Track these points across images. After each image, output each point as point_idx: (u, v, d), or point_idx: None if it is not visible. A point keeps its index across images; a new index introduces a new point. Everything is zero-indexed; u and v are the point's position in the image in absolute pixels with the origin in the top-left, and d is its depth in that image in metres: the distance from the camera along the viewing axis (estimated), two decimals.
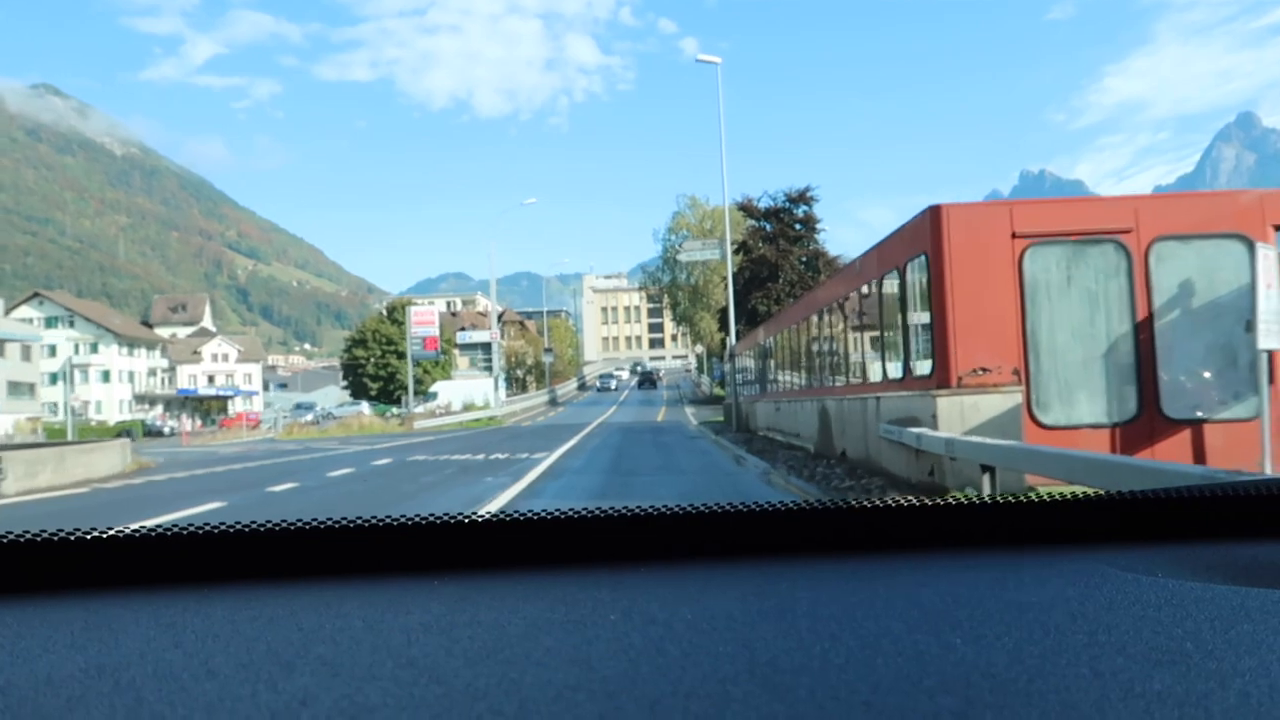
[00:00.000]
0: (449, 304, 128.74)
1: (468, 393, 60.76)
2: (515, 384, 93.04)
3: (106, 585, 1.13)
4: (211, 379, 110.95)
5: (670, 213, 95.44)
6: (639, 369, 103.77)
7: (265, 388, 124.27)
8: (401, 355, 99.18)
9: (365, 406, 75.54)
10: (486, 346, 55.09)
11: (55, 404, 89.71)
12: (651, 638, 0.88)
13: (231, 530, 1.14)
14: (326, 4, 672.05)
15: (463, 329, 74.72)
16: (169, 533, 1.14)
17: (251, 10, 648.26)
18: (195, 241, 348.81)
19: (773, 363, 28.36)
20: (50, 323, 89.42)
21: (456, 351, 70.07)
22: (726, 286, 36.00)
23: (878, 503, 1.24)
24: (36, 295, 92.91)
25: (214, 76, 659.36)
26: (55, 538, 1.11)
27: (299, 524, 1.15)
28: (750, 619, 0.93)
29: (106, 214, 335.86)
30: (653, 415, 56.13)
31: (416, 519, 1.16)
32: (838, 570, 1.13)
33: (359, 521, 1.15)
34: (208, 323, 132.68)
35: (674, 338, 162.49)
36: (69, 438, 70.66)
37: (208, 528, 1.14)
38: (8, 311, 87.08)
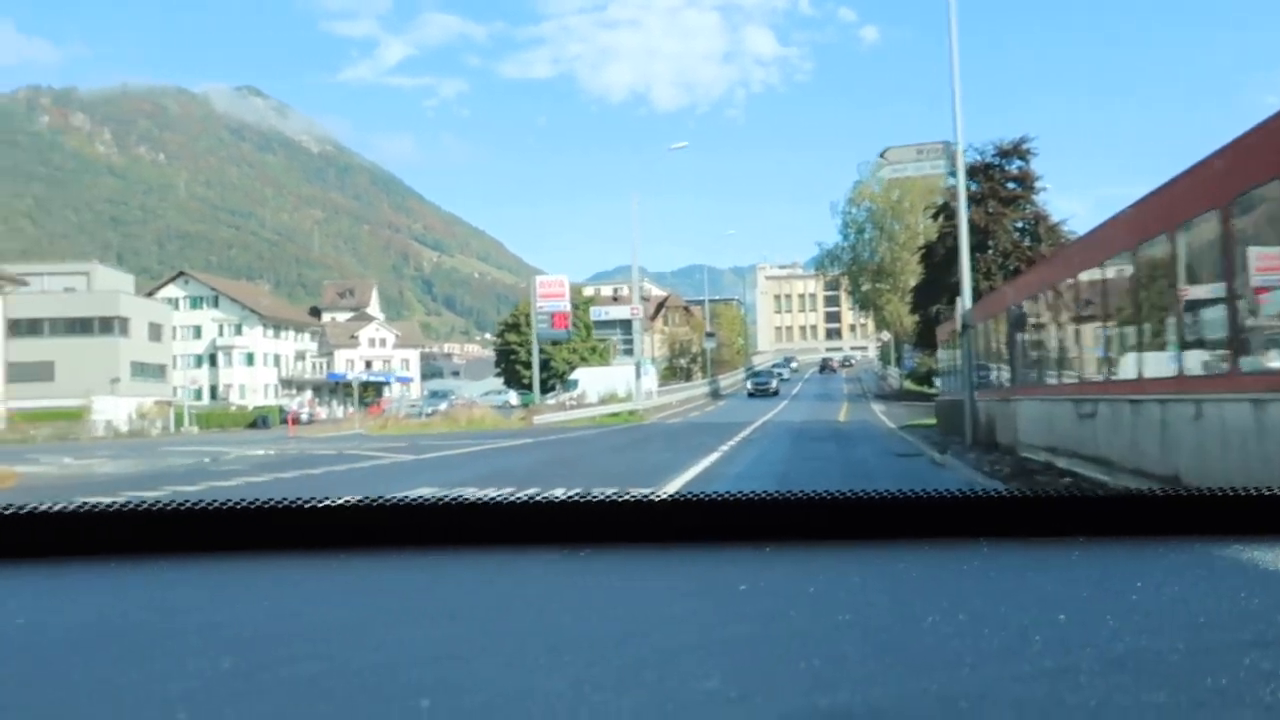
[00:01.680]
0: (615, 290, 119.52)
1: (611, 382, 50.32)
2: (679, 374, 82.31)
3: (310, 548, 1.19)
4: (369, 364, 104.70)
5: (851, 182, 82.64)
6: (791, 364, 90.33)
7: (438, 374, 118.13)
8: (556, 341, 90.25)
9: (514, 396, 66.55)
10: (628, 326, 44.55)
11: (200, 388, 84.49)
12: (776, 606, 0.91)
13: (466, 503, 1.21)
14: (510, 3, 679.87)
15: (599, 305, 64.44)
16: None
17: (440, 12, 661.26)
18: (384, 235, 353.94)
19: (1055, 334, 16.27)
20: (195, 303, 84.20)
21: (616, 340, 59.01)
22: (959, 223, 23.46)
23: (1040, 492, 1.18)
24: (182, 275, 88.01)
25: (404, 77, 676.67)
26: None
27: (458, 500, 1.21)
28: (872, 597, 0.93)
29: (303, 208, 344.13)
30: (832, 413, 44.16)
31: (587, 498, 1.21)
32: (971, 556, 1.10)
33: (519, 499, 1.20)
34: (374, 309, 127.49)
35: (853, 327, 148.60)
36: (184, 423, 64.35)
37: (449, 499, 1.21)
38: (151, 292, 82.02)
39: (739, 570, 1.06)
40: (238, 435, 51.55)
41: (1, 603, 1.00)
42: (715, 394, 63.93)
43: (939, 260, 54.03)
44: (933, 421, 31.13)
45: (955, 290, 52.31)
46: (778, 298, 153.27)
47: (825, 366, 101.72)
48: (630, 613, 0.92)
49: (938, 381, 66.21)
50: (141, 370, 68.17)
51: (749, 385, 63.26)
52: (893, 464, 17.48)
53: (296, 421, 50.65)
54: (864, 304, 78.45)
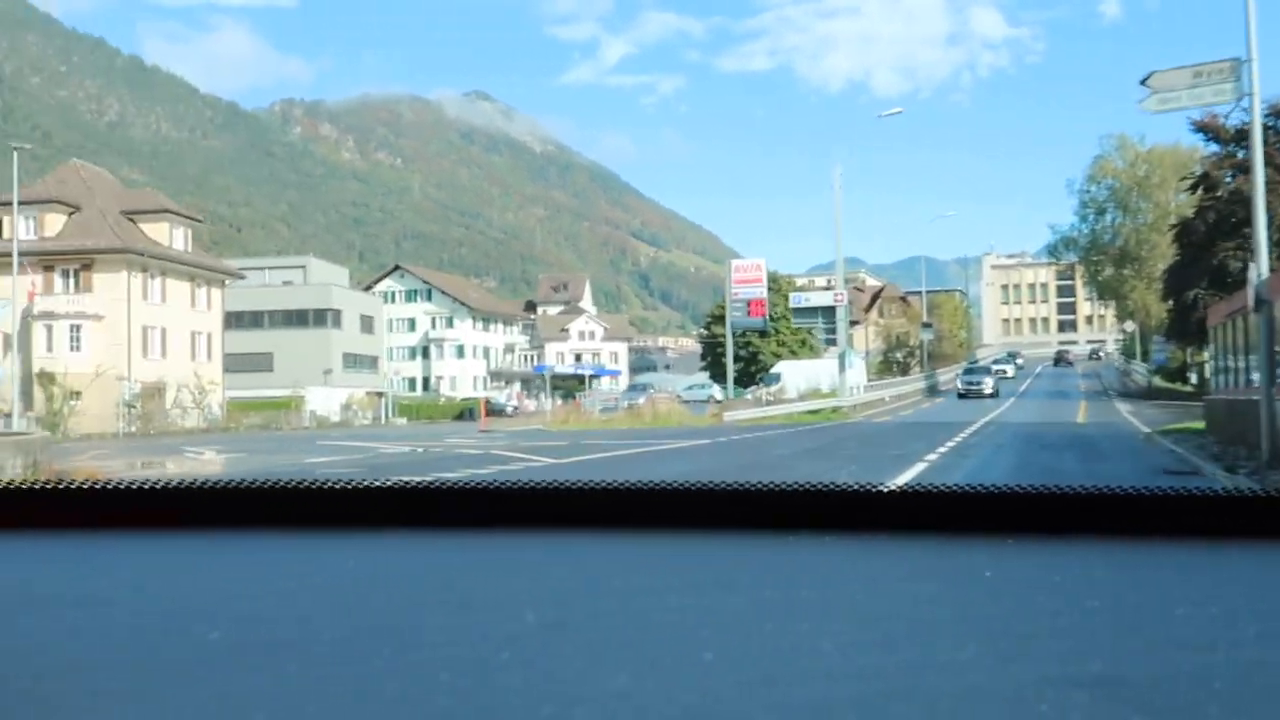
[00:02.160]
0: (829, 281, 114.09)
1: (815, 375, 45.97)
2: (895, 368, 76.53)
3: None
4: (578, 357, 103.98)
5: (1091, 157, 74.02)
6: (1016, 359, 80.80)
7: (650, 368, 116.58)
8: (754, 330, 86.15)
9: (717, 390, 63.18)
10: (831, 313, 40.15)
11: (413, 379, 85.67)
12: (1024, 591, 0.94)
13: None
14: None
15: (799, 292, 59.20)
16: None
17: (659, 10, 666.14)
18: (602, 231, 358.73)
19: None
20: (410, 296, 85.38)
21: (818, 329, 53.71)
22: (1253, 163, 17.76)
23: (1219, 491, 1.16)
24: (398, 268, 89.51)
25: (624, 75, 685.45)
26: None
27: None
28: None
29: (527, 207, 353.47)
30: (1069, 413, 38.26)
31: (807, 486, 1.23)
32: (1224, 555, 1.08)
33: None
34: (587, 302, 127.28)
35: (1089, 319, 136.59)
36: (388, 414, 64.47)
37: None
38: (369, 285, 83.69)
39: (983, 558, 1.08)
40: (441, 427, 50.58)
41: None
42: (932, 390, 58.26)
43: (1198, 238, 46.57)
44: (1200, 425, 25.37)
45: (1217, 272, 44.85)
46: (1005, 288, 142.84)
47: (1060, 359, 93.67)
48: (884, 591, 0.95)
49: (1195, 377, 57.84)
50: (354, 361, 69.10)
51: (959, 384, 51.79)
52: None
53: (489, 414, 49.03)
54: (1104, 292, 70.19)
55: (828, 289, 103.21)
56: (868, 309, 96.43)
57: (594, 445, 23.92)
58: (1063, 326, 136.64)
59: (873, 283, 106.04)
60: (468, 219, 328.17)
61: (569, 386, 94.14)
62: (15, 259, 40.23)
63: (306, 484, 1.29)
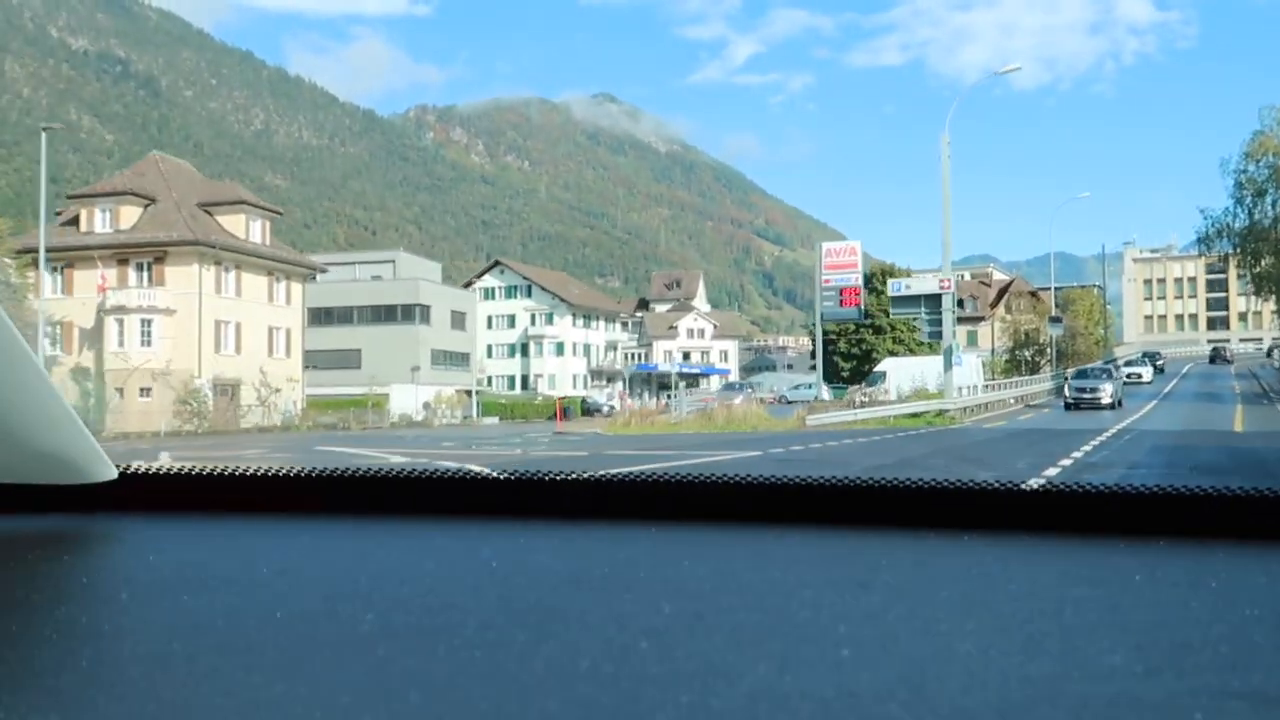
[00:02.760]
0: (960, 277, 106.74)
1: (924, 373, 40.23)
2: (1023, 367, 69.34)
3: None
4: (687, 355, 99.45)
5: (1250, 132, 65.09)
6: (1156, 360, 70.94)
7: (769, 368, 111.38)
8: (879, 330, 79.76)
9: (826, 390, 57.81)
10: (936, 303, 34.27)
11: (512, 376, 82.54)
12: (1177, 596, 0.91)
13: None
14: None
15: (897, 277, 52.29)
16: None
17: (789, 8, 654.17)
18: (726, 230, 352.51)
19: None
20: (509, 292, 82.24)
21: (920, 321, 46.56)
22: None
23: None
24: (498, 264, 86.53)
25: (752, 74, 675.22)
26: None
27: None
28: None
29: (651, 207, 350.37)
30: (1223, 420, 31.72)
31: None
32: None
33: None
34: (701, 300, 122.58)
35: (1243, 316, 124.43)
36: (476, 412, 61.07)
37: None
38: (469, 282, 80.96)
39: (1131, 561, 1.04)
40: (525, 427, 46.86)
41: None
42: (1060, 391, 51.46)
43: None
44: None
45: None
46: (1148, 282, 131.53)
47: (1217, 356, 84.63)
48: (1027, 593, 0.92)
49: None
50: (444, 358, 66.14)
51: (1067, 392, 40.22)
52: None
53: (564, 415, 44.97)
54: (1262, 285, 61.55)
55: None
56: (994, 304, 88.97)
57: (617, 457, 19.32)
58: (1213, 324, 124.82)
59: (1001, 277, 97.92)
60: (593, 219, 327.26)
61: (674, 385, 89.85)
62: (42, 254, 37.95)
63: (449, 474, 1.32)
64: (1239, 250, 61.79)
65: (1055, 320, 59.71)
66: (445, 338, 65.66)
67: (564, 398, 67.38)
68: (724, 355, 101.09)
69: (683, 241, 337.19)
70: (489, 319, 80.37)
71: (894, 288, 37.53)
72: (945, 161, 34.69)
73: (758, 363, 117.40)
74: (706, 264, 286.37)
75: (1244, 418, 32.56)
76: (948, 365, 33.63)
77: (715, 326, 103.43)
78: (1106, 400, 37.16)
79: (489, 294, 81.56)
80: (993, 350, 78.86)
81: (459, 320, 67.61)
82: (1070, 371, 44.42)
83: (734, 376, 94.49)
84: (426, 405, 57.93)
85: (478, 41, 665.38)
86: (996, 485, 1.17)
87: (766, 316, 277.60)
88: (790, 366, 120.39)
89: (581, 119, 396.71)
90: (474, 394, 64.54)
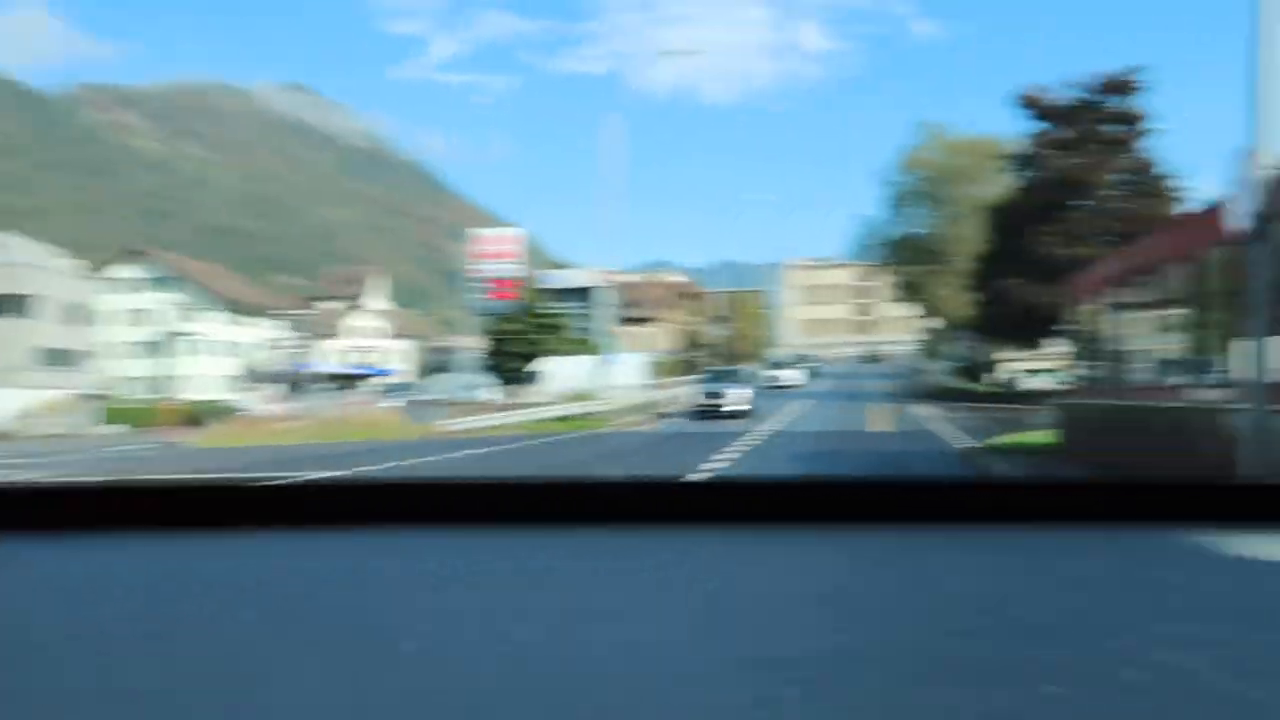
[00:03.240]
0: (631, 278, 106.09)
1: (581, 374, 37.07)
2: (692, 368, 68.74)
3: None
4: (357, 354, 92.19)
5: (905, 145, 68.18)
6: (809, 363, 71.80)
7: (445, 368, 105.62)
8: (552, 327, 77.12)
9: (488, 391, 53.57)
10: (588, 297, 30.75)
11: (153, 378, 72.27)
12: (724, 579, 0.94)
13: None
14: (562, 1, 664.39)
15: (551, 269, 48.84)
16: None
17: (493, 10, 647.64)
18: (418, 229, 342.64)
19: None
20: (155, 285, 72.00)
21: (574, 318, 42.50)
22: None
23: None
24: (138, 253, 75.75)
25: (453, 73, 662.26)
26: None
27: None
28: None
29: (342, 203, 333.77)
30: (860, 418, 30.62)
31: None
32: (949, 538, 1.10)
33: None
34: (380, 298, 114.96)
35: (886, 322, 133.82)
36: (93, 420, 51.82)
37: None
38: (99, 270, 69.91)
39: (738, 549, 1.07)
40: (152, 435, 39.09)
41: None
42: None
43: (1015, 223, 40.18)
44: (1041, 439, 17.80)
45: (1033, 260, 38.12)
46: (807, 289, 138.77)
47: (872, 357, 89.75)
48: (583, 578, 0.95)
49: (1002, 376, 51.98)
50: (56, 357, 55.99)
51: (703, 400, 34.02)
52: None
53: (191, 423, 37.94)
54: (910, 290, 64.38)
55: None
56: (667, 306, 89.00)
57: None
58: (862, 327, 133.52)
59: (674, 279, 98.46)
60: (276, 212, 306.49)
61: (336, 386, 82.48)
62: None
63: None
64: (891, 258, 64.28)
65: (722, 319, 58.98)
66: (58, 334, 55.54)
67: (197, 401, 59.08)
68: (399, 355, 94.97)
69: (371, 238, 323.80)
70: (122, 314, 70.02)
71: (546, 279, 33.94)
72: (605, 146, 31.57)
73: (438, 363, 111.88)
74: (395, 262, 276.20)
75: (883, 417, 31.74)
76: (601, 365, 30.48)
77: (392, 325, 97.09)
78: (729, 409, 31.17)
79: (133, 286, 71.09)
80: (664, 352, 78.54)
81: (78, 314, 57.53)
82: (699, 376, 39.21)
83: (413, 377, 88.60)
84: (28, 413, 48.17)
85: (158, 18, 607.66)
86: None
87: (454, 316, 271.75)
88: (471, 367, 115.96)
89: (271, 108, 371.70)
90: (94, 399, 54.93)
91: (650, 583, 0.92)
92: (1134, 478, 1.07)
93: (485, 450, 20.47)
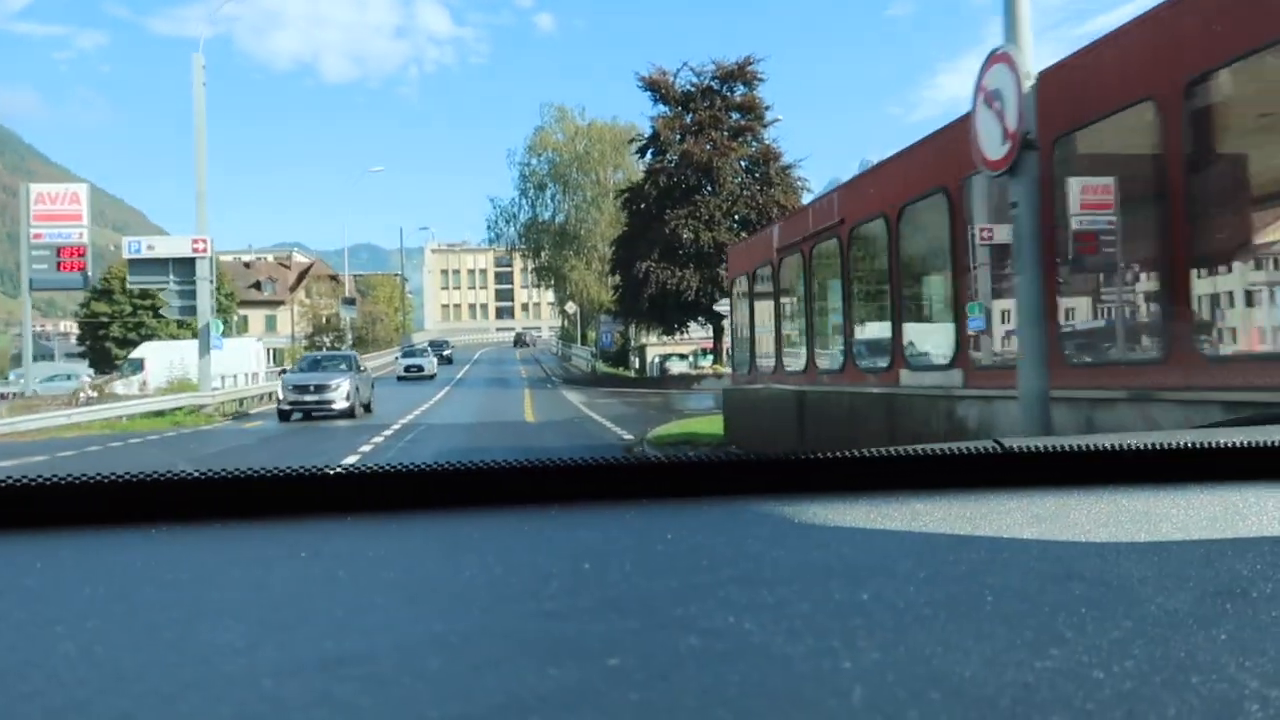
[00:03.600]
0: (258, 258, 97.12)
1: (184, 360, 31.83)
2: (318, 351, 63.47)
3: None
4: None
5: (532, 127, 66.90)
6: (443, 350, 68.08)
7: (48, 356, 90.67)
8: (149, 309, 68.41)
9: (87, 380, 45.60)
10: (189, 268, 25.84)
11: None
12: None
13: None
14: None
15: (135, 236, 41.53)
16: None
17: None
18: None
19: None
20: None
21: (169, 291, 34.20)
22: None
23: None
24: None
25: (33, 24, 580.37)
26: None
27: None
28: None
29: None
30: (514, 407, 28.60)
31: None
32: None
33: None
34: None
35: (525, 306, 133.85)
36: None
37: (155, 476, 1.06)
38: None
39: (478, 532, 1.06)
40: None
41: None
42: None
43: (648, 206, 39.97)
44: (697, 428, 16.58)
45: (667, 243, 38.02)
46: (444, 273, 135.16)
47: (519, 341, 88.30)
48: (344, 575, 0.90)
49: (637, 362, 52.39)
50: None
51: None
52: None
53: None
54: (544, 274, 63.40)
55: (247, 267, 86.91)
56: (294, 287, 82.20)
57: None
58: (500, 313, 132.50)
59: (301, 260, 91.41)
60: None
61: None
62: None
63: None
64: (523, 240, 62.90)
65: (349, 302, 54.68)
66: None
67: None
68: None
69: None
70: None
71: (131, 248, 28.35)
72: (198, 87, 26.89)
73: (37, 351, 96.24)
74: None
75: (533, 404, 29.95)
76: (205, 349, 25.87)
77: None
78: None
79: None
80: (293, 336, 72.41)
81: None
82: (283, 369, 33.29)
83: None
84: None
85: None
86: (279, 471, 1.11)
87: (52, 299, 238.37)
88: (71, 355, 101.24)
89: None
90: None
91: (241, 582, 0.87)
92: (742, 454, 1.15)
93: (44, 458, 15.97)
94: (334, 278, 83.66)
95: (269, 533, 1.04)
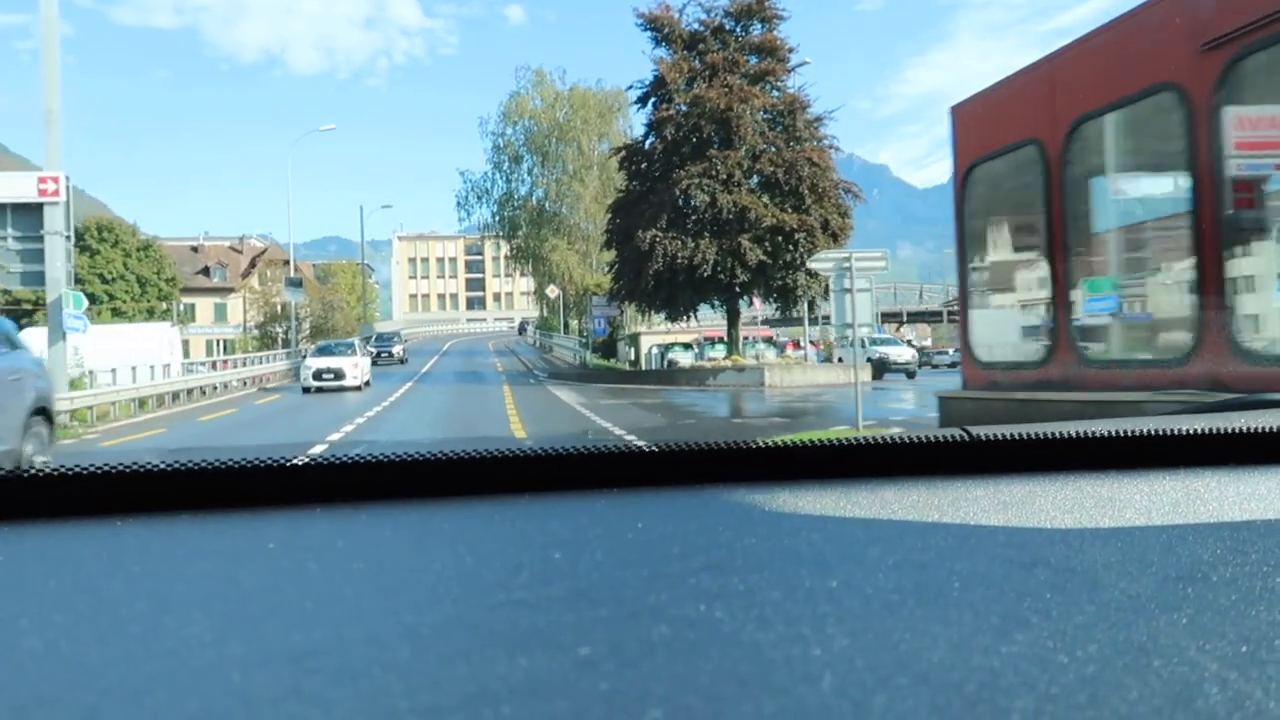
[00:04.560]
0: (207, 243, 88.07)
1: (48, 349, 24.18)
2: (273, 343, 55.51)
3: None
4: None
5: (507, 93, 59.08)
6: (392, 345, 57.33)
7: None
8: (88, 295, 60.44)
9: None
10: (35, 216, 18.51)
11: None
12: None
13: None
14: None
15: None
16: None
17: None
18: None
19: None
20: None
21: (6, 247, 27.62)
22: None
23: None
24: None
25: None
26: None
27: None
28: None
29: None
30: (493, 411, 21.12)
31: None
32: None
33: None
34: None
35: (497, 297, 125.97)
36: None
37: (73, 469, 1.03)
38: None
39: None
40: None
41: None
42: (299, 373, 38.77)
43: (650, 165, 32.72)
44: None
45: (676, 209, 29.16)
46: (412, 261, 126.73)
47: (524, 329, 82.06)
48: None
49: (631, 353, 44.84)
50: None
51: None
52: None
53: None
54: (520, 256, 55.83)
55: (195, 251, 78.52)
56: (246, 273, 74.10)
57: None
58: (471, 303, 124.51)
59: (255, 244, 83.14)
60: None
61: None
62: None
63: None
64: (497, 219, 55.30)
65: (294, 284, 46.91)
66: None
67: None
68: None
69: None
70: None
71: None
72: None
73: None
74: None
75: (516, 406, 22.59)
76: (56, 334, 18.34)
77: None
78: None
79: None
80: (244, 325, 64.49)
81: None
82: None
83: None
84: None
85: None
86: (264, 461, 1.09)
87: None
88: None
89: None
90: None
91: (209, 574, 0.85)
92: (711, 442, 1.16)
93: None
94: (288, 263, 75.58)
95: (237, 524, 1.02)
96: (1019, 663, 0.61)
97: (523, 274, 58.11)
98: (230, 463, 1.05)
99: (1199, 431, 1.29)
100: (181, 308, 65.25)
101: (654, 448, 1.18)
